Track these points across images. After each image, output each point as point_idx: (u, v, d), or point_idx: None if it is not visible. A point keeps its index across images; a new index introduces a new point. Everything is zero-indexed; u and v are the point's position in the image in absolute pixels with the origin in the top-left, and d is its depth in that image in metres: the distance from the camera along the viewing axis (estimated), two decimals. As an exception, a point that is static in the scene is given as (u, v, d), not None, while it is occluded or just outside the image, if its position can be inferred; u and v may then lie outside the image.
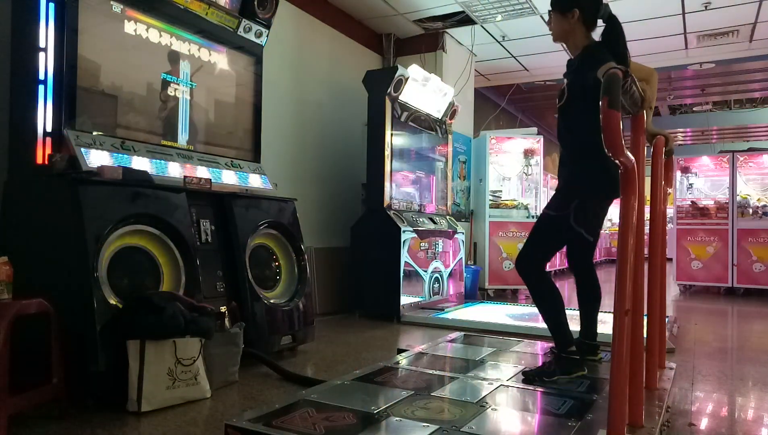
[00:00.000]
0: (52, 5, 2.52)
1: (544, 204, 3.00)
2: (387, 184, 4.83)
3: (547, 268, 2.69)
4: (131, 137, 2.84)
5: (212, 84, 3.36)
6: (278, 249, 3.45)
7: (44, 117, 2.52)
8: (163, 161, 2.91)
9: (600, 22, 2.53)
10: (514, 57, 7.18)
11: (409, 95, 5.06)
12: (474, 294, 6.17)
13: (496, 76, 8.05)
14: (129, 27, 2.86)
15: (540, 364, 2.80)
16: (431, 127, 5.62)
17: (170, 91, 3.09)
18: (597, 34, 2.56)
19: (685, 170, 8.09)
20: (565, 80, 2.61)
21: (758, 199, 7.50)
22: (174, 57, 3.11)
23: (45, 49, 2.52)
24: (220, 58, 3.39)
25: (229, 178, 3.28)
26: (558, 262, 9.51)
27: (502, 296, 6.58)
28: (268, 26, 3.61)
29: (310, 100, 5.09)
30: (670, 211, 7.23)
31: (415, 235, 4.94)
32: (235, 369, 2.71)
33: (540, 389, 2.38)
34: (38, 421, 2.10)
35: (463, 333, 3.80)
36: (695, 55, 7.08)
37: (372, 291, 4.80)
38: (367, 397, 2.23)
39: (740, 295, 7.27)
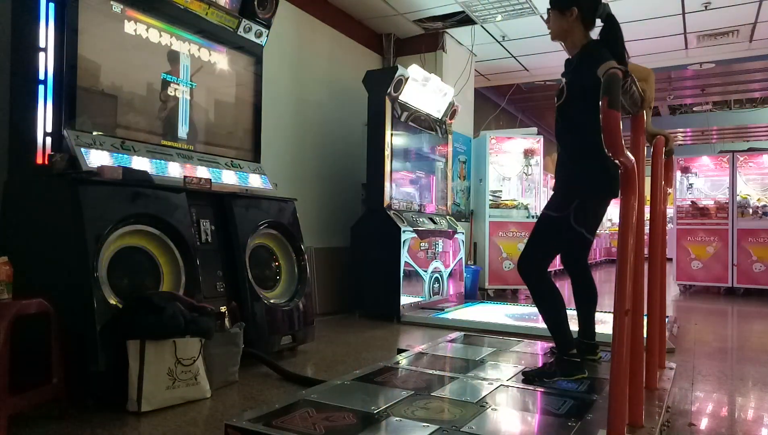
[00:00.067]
0: (52, 5, 2.52)
1: (544, 204, 3.00)
2: (387, 184, 4.83)
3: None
4: (131, 137, 2.84)
5: (212, 84, 3.35)
6: (278, 249, 3.45)
7: (44, 117, 2.52)
8: (163, 161, 2.91)
9: (598, 21, 2.53)
10: (514, 57, 7.18)
11: (409, 95, 5.06)
12: (474, 294, 6.17)
13: (496, 76, 8.05)
14: (129, 27, 2.86)
15: (540, 364, 2.80)
16: (431, 127, 5.62)
17: (170, 91, 3.09)
18: (595, 34, 2.56)
19: (685, 170, 8.09)
20: (564, 79, 2.60)
21: (758, 199, 7.49)
22: (174, 57, 3.10)
23: (45, 49, 2.51)
24: (220, 58, 3.39)
25: (229, 178, 3.28)
26: (558, 262, 9.47)
27: (502, 296, 6.58)
28: (268, 26, 3.61)
29: (310, 100, 5.08)
30: (670, 211, 7.22)
31: (415, 235, 4.94)
32: (235, 369, 2.71)
33: (540, 389, 2.38)
34: (38, 421, 2.10)
35: (463, 333, 3.80)
36: (695, 55, 7.08)
37: (372, 291, 4.80)
38: (367, 397, 2.23)
39: (740, 295, 7.26)
